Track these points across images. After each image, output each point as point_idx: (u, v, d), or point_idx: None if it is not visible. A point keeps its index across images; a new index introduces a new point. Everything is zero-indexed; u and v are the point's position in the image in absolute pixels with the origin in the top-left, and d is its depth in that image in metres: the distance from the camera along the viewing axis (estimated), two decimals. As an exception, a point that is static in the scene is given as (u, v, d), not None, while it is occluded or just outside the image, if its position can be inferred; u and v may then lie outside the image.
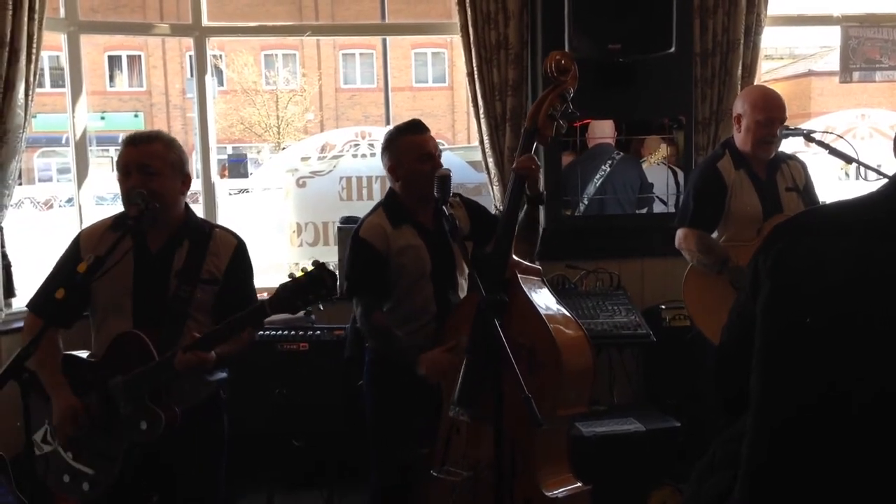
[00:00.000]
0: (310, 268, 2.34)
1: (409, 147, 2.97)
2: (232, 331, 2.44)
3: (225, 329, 2.44)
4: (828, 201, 3.53)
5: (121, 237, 2.40)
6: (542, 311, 2.76)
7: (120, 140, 2.73)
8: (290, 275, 2.38)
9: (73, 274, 2.36)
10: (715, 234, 3.58)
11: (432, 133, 3.06)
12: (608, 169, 4.48)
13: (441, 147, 3.11)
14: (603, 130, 4.49)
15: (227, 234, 2.69)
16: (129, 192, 2.47)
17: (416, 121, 3.06)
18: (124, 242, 2.42)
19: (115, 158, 2.63)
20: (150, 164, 2.50)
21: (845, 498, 1.30)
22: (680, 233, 3.62)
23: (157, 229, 2.54)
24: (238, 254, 2.65)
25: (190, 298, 2.53)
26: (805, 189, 3.58)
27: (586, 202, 4.49)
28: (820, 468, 1.32)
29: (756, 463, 1.38)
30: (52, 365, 2.52)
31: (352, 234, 3.03)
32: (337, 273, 2.51)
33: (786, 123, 3.53)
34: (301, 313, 4.15)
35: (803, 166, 3.65)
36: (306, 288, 2.32)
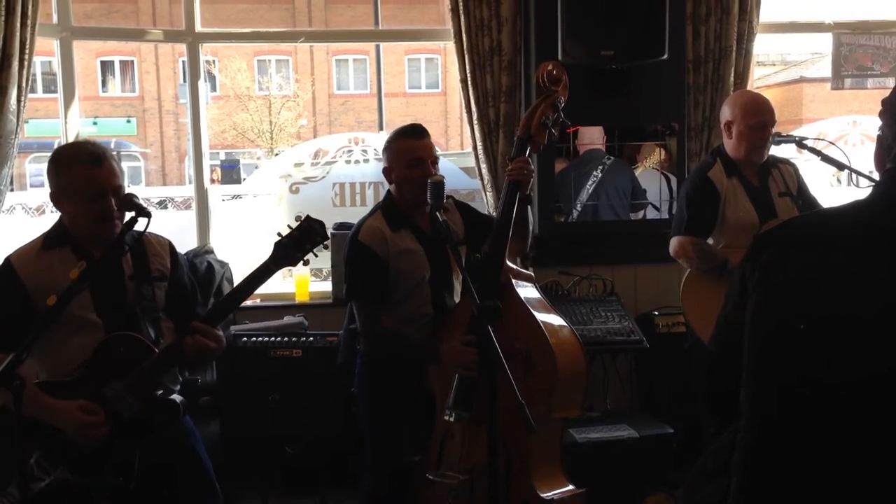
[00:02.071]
0: (297, 222, 2.46)
1: (402, 151, 2.98)
2: (240, 298, 2.48)
3: (233, 297, 2.48)
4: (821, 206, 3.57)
5: (110, 250, 2.39)
6: (537, 315, 2.78)
7: (62, 155, 2.53)
8: (279, 233, 2.47)
9: (12, 302, 2.37)
10: (711, 242, 3.58)
11: (426, 140, 3.06)
12: (600, 174, 4.49)
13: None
14: (592, 136, 4.49)
15: (156, 236, 2.66)
16: (105, 216, 2.42)
17: (415, 125, 3.06)
18: (67, 257, 2.43)
19: (67, 176, 2.45)
20: (121, 185, 2.48)
21: (842, 493, 1.31)
22: (675, 241, 3.61)
23: (100, 243, 2.46)
24: (174, 250, 2.68)
25: (154, 297, 2.54)
26: (799, 192, 3.58)
27: (580, 208, 4.50)
28: (813, 468, 1.33)
29: (749, 473, 1.39)
30: (32, 389, 2.35)
31: (349, 237, 3.03)
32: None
33: (777, 130, 3.55)
34: (296, 318, 4.21)
35: (795, 169, 3.65)
36: (301, 239, 2.45)
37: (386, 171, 3.04)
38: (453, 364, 2.79)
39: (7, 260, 2.51)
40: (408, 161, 2.95)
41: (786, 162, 3.66)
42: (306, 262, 2.51)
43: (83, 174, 2.43)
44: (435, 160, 3.00)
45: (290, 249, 2.45)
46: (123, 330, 2.46)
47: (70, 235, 2.50)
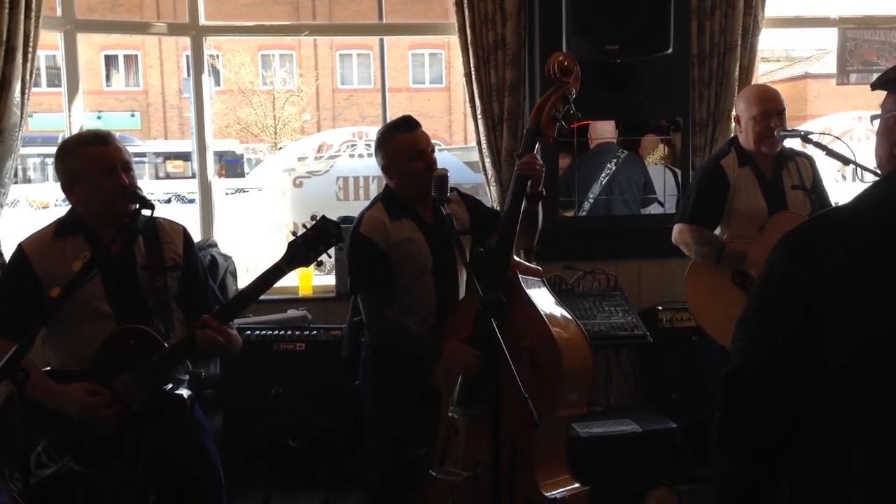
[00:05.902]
0: (311, 222, 2.45)
1: (401, 145, 2.95)
2: (252, 297, 2.46)
3: (244, 296, 2.46)
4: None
5: (118, 235, 2.39)
6: (543, 312, 2.76)
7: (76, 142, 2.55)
8: (293, 233, 2.46)
9: (23, 289, 2.37)
10: (718, 231, 3.59)
11: (430, 134, 3.05)
12: (614, 167, 4.48)
13: (438, 147, 3.10)
14: (605, 130, 4.48)
15: (170, 221, 2.65)
16: (119, 190, 2.40)
17: (406, 117, 3.03)
18: (79, 245, 2.41)
19: (75, 160, 2.46)
20: (130, 161, 2.48)
21: None
22: (677, 227, 3.64)
23: (109, 229, 2.46)
24: (188, 238, 2.65)
25: (166, 288, 2.51)
26: (813, 186, 3.57)
27: (591, 200, 4.48)
28: None
29: None
30: (38, 374, 2.37)
31: (351, 230, 3.01)
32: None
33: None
34: (299, 312, 4.21)
35: (811, 162, 3.64)
36: (315, 239, 2.43)
37: (385, 168, 3.01)
38: (454, 364, 2.78)
39: (19, 247, 2.50)
40: (410, 154, 2.93)
41: (803, 155, 3.65)
42: (319, 263, 2.50)
43: (91, 153, 2.44)
44: (433, 148, 2.99)
45: (303, 249, 2.43)
46: (135, 321, 2.45)
47: (83, 223, 2.48)
